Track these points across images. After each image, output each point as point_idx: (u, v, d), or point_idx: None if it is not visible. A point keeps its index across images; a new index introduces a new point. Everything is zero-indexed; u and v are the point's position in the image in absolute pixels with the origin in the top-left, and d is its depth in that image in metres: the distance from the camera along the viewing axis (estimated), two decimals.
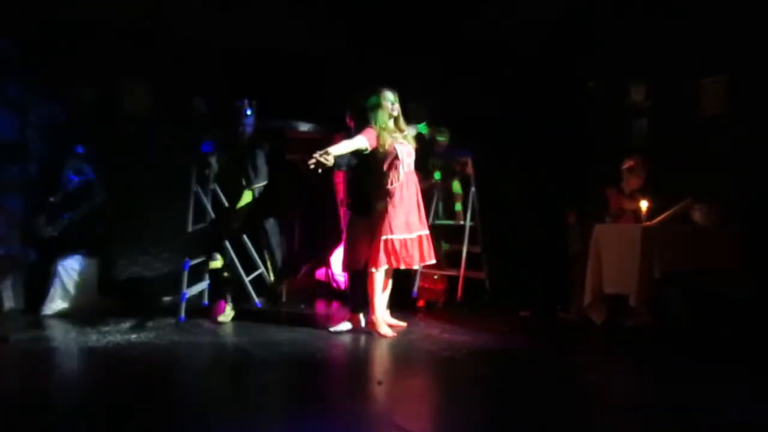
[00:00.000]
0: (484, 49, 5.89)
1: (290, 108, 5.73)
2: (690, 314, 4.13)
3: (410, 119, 4.40)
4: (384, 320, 4.15)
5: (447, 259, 5.27)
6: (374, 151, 4.00)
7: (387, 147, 3.99)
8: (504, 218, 5.73)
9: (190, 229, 4.53)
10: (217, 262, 4.59)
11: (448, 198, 5.35)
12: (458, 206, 5.29)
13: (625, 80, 5.19)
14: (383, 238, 3.95)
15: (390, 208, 3.98)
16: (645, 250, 3.94)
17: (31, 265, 4.96)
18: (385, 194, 3.99)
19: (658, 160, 4.68)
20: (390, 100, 4.03)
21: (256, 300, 4.49)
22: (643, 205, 4.23)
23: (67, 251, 4.88)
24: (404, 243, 4.00)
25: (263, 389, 2.96)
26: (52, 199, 4.97)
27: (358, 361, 3.57)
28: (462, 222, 5.02)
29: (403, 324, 4.25)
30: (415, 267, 4.07)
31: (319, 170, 3.67)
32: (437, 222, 5.19)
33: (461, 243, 5.07)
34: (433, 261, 4.18)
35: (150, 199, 5.38)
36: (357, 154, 4.07)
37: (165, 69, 5.48)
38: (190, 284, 4.47)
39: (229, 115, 4.54)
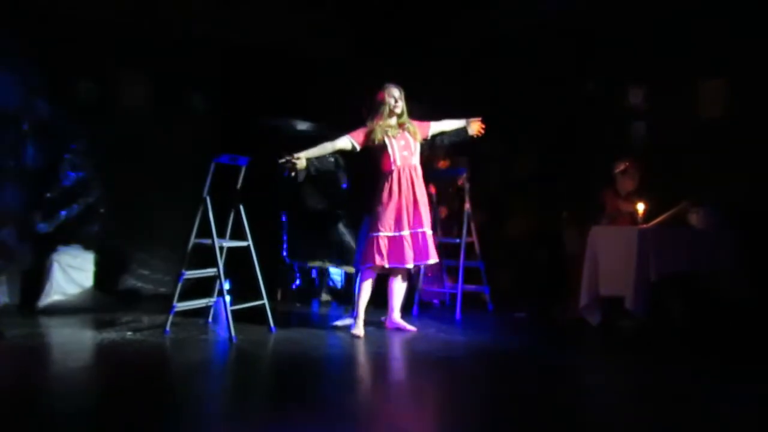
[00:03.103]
0: (482, 49, 5.90)
1: (288, 106, 5.73)
2: (686, 316, 4.14)
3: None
4: (399, 322, 4.15)
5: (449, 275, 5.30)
6: (366, 148, 3.98)
7: (377, 142, 3.95)
8: (500, 219, 5.74)
9: (192, 242, 3.92)
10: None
11: (445, 217, 5.36)
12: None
13: (624, 82, 5.19)
14: (371, 235, 3.92)
15: (380, 204, 3.93)
16: (641, 253, 3.94)
17: (26, 262, 4.94)
18: (376, 190, 3.94)
19: (655, 162, 4.69)
20: (394, 96, 4.01)
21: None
22: (640, 207, 4.24)
23: (62, 246, 4.87)
24: (393, 240, 3.91)
25: (257, 387, 2.96)
26: (48, 195, 4.96)
27: (353, 361, 3.57)
28: (458, 239, 5.01)
29: (413, 328, 4.15)
30: (408, 266, 3.95)
31: (293, 173, 3.75)
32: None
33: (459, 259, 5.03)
34: (434, 260, 4.05)
35: (147, 196, 5.37)
36: (346, 155, 4.03)
37: (164, 64, 5.46)
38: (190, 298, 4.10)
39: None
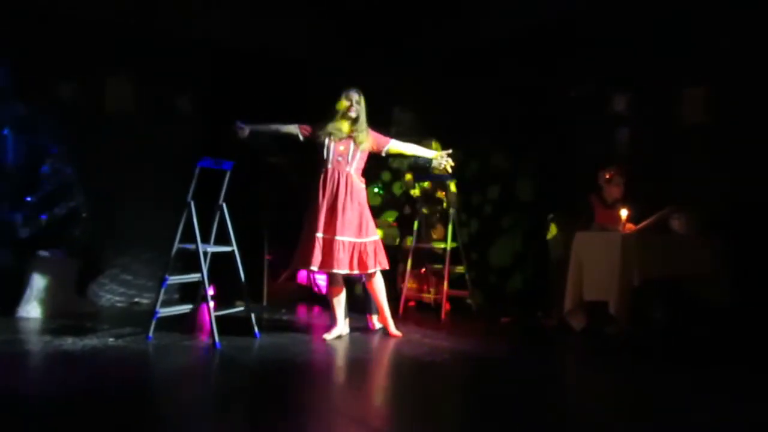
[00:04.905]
0: (469, 55, 5.92)
1: (286, 108, 5.70)
2: (669, 321, 4.17)
3: (396, 124, 4.40)
4: (384, 326, 4.15)
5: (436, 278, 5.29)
6: (308, 141, 4.02)
7: (317, 140, 3.98)
8: (485, 224, 5.75)
9: (176, 247, 3.89)
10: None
11: (430, 223, 5.37)
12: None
13: (608, 89, 5.24)
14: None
15: (308, 204, 3.96)
16: (625, 258, 3.98)
17: (6, 266, 4.86)
18: (309, 188, 3.98)
19: (639, 168, 4.73)
20: (351, 99, 3.98)
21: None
22: (623, 213, 4.28)
23: (43, 251, 4.81)
24: (306, 242, 3.89)
25: (241, 394, 2.93)
26: (29, 199, 4.89)
27: (338, 366, 3.56)
28: (443, 246, 5.01)
29: (398, 333, 4.13)
30: (313, 268, 3.86)
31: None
32: (420, 245, 5.19)
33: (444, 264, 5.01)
34: (343, 271, 3.85)
35: (131, 200, 5.31)
36: (292, 144, 4.09)
37: (149, 67, 5.41)
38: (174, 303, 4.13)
39: None
